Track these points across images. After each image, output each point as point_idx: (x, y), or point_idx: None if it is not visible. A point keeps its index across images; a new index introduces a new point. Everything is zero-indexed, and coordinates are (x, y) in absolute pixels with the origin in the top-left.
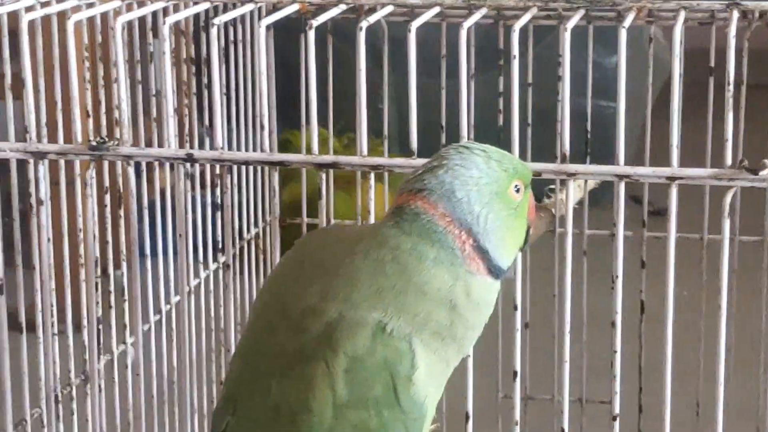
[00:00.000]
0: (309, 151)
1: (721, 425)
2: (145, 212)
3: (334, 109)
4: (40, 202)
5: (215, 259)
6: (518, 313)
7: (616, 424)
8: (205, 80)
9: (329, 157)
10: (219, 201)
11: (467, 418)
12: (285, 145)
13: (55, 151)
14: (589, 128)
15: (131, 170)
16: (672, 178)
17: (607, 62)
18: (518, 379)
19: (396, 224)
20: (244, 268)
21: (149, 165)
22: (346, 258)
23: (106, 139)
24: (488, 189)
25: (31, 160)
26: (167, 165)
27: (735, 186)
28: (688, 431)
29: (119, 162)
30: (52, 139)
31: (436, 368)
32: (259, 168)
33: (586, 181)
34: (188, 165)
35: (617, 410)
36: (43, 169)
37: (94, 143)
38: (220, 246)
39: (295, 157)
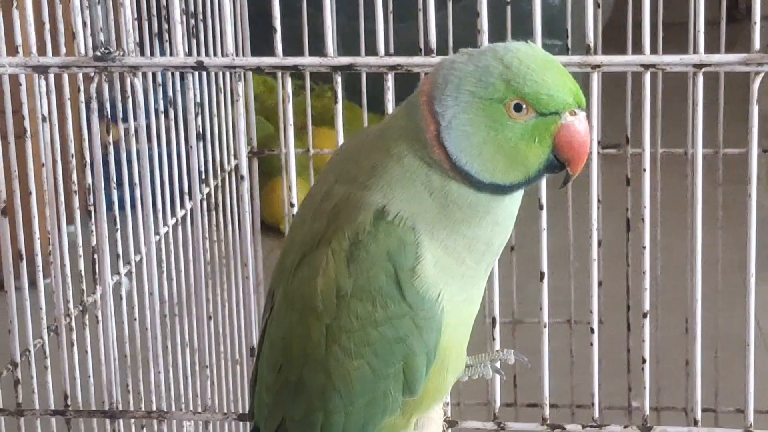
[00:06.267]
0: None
1: None
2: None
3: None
4: (43, 119)
5: (199, 190)
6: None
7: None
8: None
9: (346, 59)
10: (200, 130)
11: (494, 323)
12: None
13: (57, 64)
14: None
15: (137, 82)
16: (699, 66)
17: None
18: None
19: (402, 106)
20: (226, 200)
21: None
22: (365, 144)
23: (111, 50)
24: (470, 88)
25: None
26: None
27: (764, 71)
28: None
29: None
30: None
31: (446, 262)
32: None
33: None
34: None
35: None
36: (45, 84)
37: (98, 54)
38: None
39: (310, 60)
